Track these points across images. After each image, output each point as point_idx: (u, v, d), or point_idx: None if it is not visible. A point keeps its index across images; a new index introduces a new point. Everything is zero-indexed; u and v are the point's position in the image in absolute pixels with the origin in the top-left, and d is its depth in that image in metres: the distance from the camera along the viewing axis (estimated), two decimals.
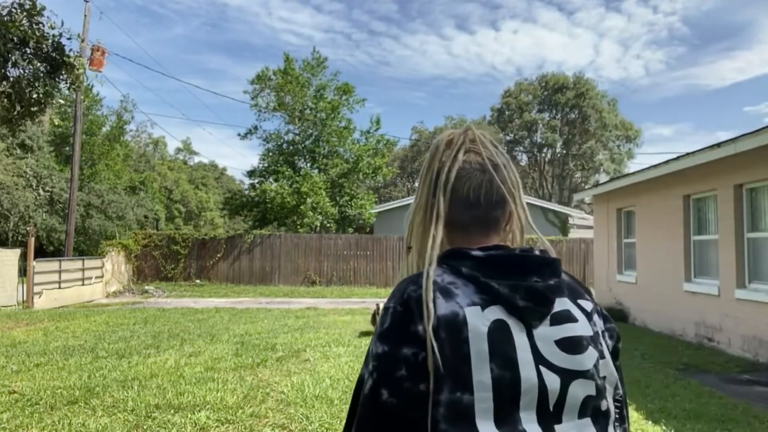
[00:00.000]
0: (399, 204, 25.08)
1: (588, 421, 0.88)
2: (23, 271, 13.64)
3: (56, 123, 21.27)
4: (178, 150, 54.02)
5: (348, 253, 20.00)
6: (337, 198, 23.99)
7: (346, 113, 25.22)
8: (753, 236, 7.76)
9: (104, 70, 17.40)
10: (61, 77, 7.80)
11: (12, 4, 7.18)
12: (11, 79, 7.29)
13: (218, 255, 19.70)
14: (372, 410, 0.86)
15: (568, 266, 19.05)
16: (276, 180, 23.59)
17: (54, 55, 7.54)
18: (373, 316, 8.93)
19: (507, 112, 46.78)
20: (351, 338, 8.30)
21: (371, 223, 24.15)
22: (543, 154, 47.51)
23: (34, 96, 7.44)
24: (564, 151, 45.89)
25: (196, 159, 56.59)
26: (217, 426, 4.26)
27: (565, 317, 0.92)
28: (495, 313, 0.87)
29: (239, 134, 33.63)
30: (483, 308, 0.87)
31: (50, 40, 7.47)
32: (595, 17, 68.68)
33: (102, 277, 16.70)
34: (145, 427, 4.21)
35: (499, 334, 0.86)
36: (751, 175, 7.65)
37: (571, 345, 0.89)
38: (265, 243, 19.88)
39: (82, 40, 14.82)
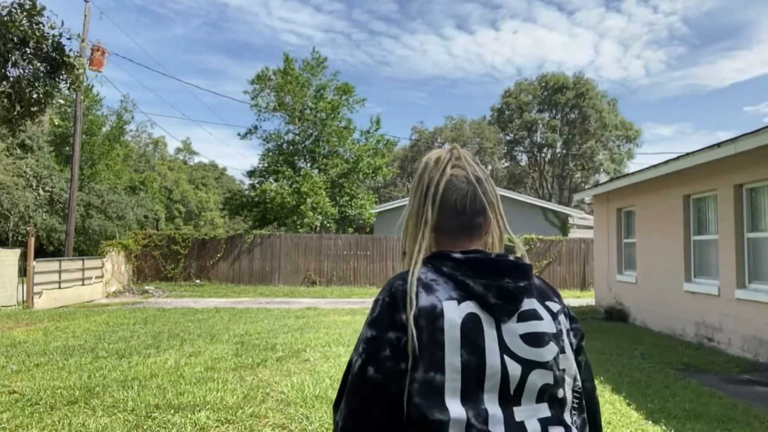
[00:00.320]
0: (399, 204, 25.03)
1: (545, 405, 1.00)
2: (23, 271, 13.64)
3: (56, 123, 21.24)
4: (178, 150, 54.12)
5: (348, 253, 20.00)
6: (337, 198, 23.98)
7: (346, 113, 25.25)
8: (753, 236, 7.77)
9: (104, 70, 17.43)
10: (61, 77, 7.80)
11: (12, 4, 7.18)
12: (11, 79, 7.29)
13: (218, 255, 19.70)
14: (359, 384, 0.99)
15: (568, 266, 19.17)
16: (276, 180, 23.57)
17: (54, 55, 7.54)
18: None
19: (507, 112, 46.80)
20: (351, 338, 8.28)
21: (371, 223, 24.13)
22: (543, 154, 47.53)
23: (34, 96, 7.44)
24: (564, 151, 45.90)
25: (196, 159, 56.69)
26: (217, 426, 4.26)
27: (532, 315, 1.04)
28: (469, 307, 1.00)
29: (239, 134, 33.68)
30: (459, 303, 1.00)
31: (50, 40, 7.47)
32: (595, 17, 68.79)
33: (102, 277, 16.70)
34: (145, 427, 4.22)
35: (471, 326, 0.98)
36: (751, 175, 7.65)
37: (534, 339, 1.02)
38: (265, 243, 19.88)
39: (82, 40, 14.81)
